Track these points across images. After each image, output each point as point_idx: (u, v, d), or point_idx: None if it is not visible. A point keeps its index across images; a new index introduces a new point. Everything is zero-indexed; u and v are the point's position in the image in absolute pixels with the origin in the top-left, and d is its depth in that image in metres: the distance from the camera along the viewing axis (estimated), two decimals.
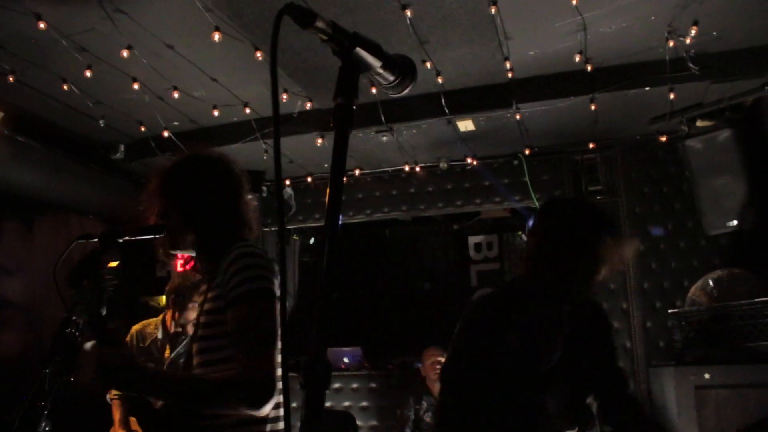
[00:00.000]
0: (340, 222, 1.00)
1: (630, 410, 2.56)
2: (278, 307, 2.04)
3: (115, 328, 1.91)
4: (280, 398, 2.06)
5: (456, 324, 2.32)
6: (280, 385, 2.02)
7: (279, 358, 1.99)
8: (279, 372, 1.98)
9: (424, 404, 5.34)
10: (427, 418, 5.26)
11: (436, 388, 5.34)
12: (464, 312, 2.35)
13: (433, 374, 5.34)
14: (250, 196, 2.31)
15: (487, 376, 2.19)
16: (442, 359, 5.40)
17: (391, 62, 1.08)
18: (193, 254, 2.25)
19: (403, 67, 1.10)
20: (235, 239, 2.14)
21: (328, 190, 0.99)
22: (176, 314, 4.12)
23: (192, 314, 3.98)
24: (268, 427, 2.05)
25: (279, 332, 2.03)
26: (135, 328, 4.28)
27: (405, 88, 1.12)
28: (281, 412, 2.09)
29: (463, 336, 2.29)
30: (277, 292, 2.07)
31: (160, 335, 4.19)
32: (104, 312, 1.99)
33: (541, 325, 2.30)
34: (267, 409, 1.93)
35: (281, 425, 2.10)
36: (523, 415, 2.23)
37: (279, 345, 2.00)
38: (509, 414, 2.20)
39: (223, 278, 2.04)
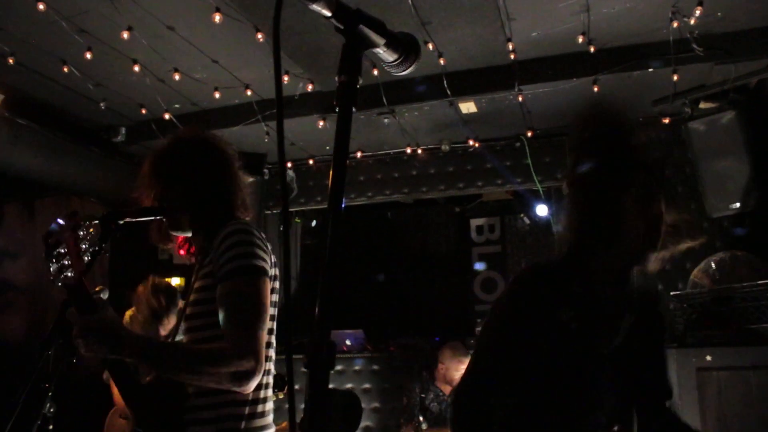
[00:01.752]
0: (343, 204, 0.99)
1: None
2: (269, 284, 2.04)
3: (99, 298, 1.89)
4: (267, 379, 2.07)
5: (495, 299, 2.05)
6: (268, 365, 2.05)
7: (266, 337, 1.98)
8: (266, 351, 1.98)
9: (431, 394, 5.31)
10: (434, 408, 5.24)
11: (454, 383, 5.23)
12: (509, 284, 2.08)
13: (454, 375, 5.13)
14: (242, 175, 2.31)
15: (530, 358, 1.88)
16: (467, 360, 5.29)
17: (394, 40, 1.07)
18: (189, 235, 2.24)
19: (406, 45, 1.09)
20: (230, 218, 2.14)
21: (331, 170, 0.98)
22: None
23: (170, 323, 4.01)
24: (247, 409, 2.02)
25: (268, 310, 2.02)
26: (128, 313, 4.22)
27: (408, 67, 1.11)
28: (263, 394, 2.08)
29: (504, 310, 1.97)
30: (270, 271, 2.06)
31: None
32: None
33: (600, 303, 1.99)
34: (251, 387, 1.92)
35: (262, 408, 2.07)
36: (573, 402, 1.90)
37: (267, 323, 2.00)
38: (554, 403, 1.89)
39: (214, 255, 2.03)
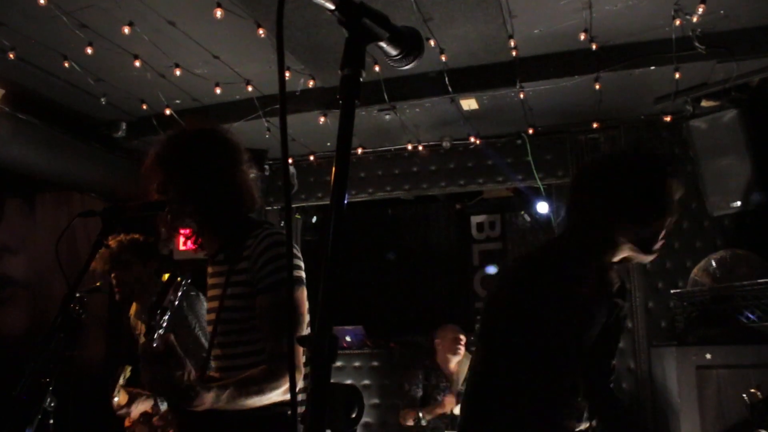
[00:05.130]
0: (346, 198, 0.99)
1: (616, 411, 2.38)
2: (306, 293, 2.12)
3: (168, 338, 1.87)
4: (303, 383, 2.17)
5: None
6: (305, 370, 2.13)
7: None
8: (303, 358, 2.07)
9: (433, 380, 5.36)
10: (438, 396, 5.28)
11: (450, 364, 5.38)
12: (497, 279, 2.20)
13: (452, 352, 5.36)
14: (249, 168, 2.31)
15: (537, 349, 2.01)
16: (462, 336, 5.42)
17: (398, 34, 1.07)
18: (195, 228, 2.24)
19: (410, 40, 1.09)
20: (240, 212, 2.16)
21: (334, 164, 0.98)
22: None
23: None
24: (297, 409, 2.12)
25: (307, 319, 2.11)
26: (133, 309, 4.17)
27: (412, 61, 1.10)
28: (303, 396, 2.17)
29: (497, 307, 2.12)
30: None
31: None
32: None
33: (582, 294, 2.09)
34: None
35: (303, 397, 2.17)
36: (557, 394, 2.07)
37: (306, 332, 2.09)
38: (543, 393, 2.04)
39: (251, 264, 2.08)
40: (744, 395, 3.47)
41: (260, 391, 1.97)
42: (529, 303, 2.04)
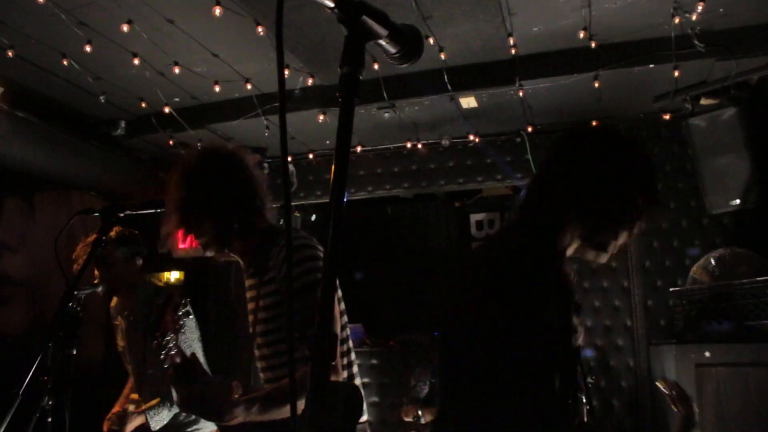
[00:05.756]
0: (345, 196, 0.99)
1: None
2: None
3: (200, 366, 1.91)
4: (353, 376, 2.24)
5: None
6: (348, 372, 2.21)
7: (341, 348, 2.13)
8: (343, 360, 2.14)
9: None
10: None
11: None
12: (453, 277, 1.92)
13: None
14: (262, 176, 2.35)
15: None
16: None
17: (397, 32, 1.06)
18: (218, 246, 2.28)
19: (409, 38, 1.08)
20: (260, 224, 2.20)
21: (333, 162, 0.98)
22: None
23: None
24: None
25: (338, 320, 2.14)
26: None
27: (411, 59, 1.10)
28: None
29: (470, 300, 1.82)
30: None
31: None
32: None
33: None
34: None
35: None
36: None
37: (339, 333, 2.13)
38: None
39: (278, 272, 2.13)
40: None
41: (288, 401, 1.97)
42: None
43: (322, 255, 2.15)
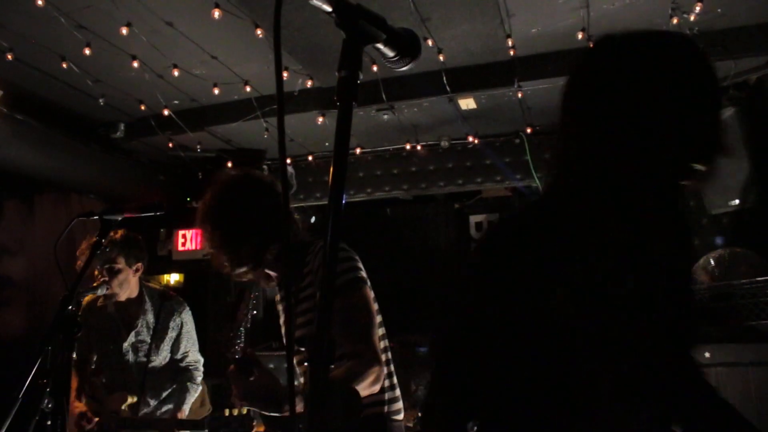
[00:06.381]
0: (343, 199, 0.99)
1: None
2: (371, 293, 2.19)
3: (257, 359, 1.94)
4: (393, 380, 2.29)
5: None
6: (389, 368, 2.25)
7: (380, 343, 2.14)
8: (385, 355, 2.16)
9: None
10: None
11: None
12: (468, 262, 1.49)
13: None
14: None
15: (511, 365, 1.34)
16: None
17: (395, 36, 1.07)
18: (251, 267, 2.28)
19: (407, 41, 1.09)
20: (286, 241, 2.21)
21: (332, 164, 0.98)
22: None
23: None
24: (386, 396, 2.21)
25: (376, 317, 2.17)
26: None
27: (409, 63, 1.11)
28: (388, 383, 2.25)
29: (469, 299, 1.41)
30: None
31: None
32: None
33: (607, 262, 1.33)
34: (379, 387, 2.05)
35: (393, 395, 2.26)
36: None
37: (378, 328, 2.16)
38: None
39: (315, 277, 2.14)
40: None
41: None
42: None
43: (353, 254, 2.20)
